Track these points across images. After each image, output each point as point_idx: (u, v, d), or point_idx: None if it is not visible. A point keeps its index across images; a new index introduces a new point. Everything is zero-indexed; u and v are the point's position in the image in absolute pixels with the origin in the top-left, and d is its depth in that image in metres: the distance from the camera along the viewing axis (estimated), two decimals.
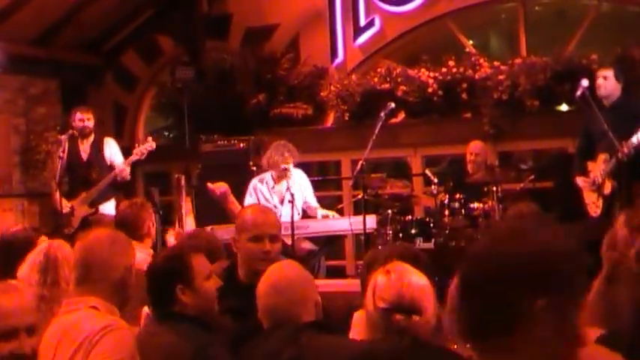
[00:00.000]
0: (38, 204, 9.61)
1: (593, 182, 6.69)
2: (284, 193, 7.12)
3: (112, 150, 7.97)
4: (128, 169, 7.75)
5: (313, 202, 7.37)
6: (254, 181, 7.32)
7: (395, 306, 2.58)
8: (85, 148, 7.92)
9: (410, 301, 2.58)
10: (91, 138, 7.94)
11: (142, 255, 4.21)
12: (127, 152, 8.06)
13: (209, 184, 4.96)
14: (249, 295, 3.25)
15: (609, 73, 6.67)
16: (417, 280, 2.65)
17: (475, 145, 7.89)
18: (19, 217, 9.44)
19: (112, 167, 7.84)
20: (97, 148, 7.93)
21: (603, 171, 6.59)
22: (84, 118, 7.85)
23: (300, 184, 7.26)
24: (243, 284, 3.66)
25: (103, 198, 7.81)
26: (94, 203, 7.77)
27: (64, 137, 7.73)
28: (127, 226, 4.87)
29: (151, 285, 3.13)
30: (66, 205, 7.69)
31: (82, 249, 2.86)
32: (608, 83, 6.64)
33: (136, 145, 7.72)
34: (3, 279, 3.95)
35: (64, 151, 7.63)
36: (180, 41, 10.25)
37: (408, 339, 2.56)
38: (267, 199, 7.20)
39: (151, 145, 7.61)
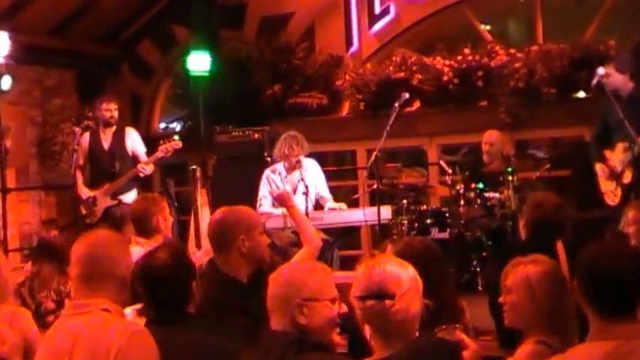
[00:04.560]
0: (55, 195, 9.65)
1: (613, 171, 6.61)
2: (296, 183, 7.12)
3: (133, 140, 8.05)
4: (152, 166, 7.85)
5: (326, 193, 7.35)
6: (267, 171, 7.34)
7: (367, 292, 2.65)
8: (106, 138, 8.00)
9: (379, 287, 2.64)
10: (113, 128, 8.03)
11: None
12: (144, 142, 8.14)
13: (271, 190, 5.08)
14: (255, 295, 3.27)
15: (610, 69, 6.56)
16: (390, 268, 2.70)
17: (490, 135, 7.84)
18: (36, 208, 9.48)
19: (133, 157, 7.93)
20: (119, 138, 8.00)
21: (623, 160, 6.52)
22: (111, 109, 7.95)
23: (313, 175, 7.25)
24: (245, 285, 3.73)
25: (125, 189, 7.90)
26: (116, 195, 7.87)
27: (78, 129, 7.78)
28: (137, 221, 4.89)
29: (172, 284, 3.09)
30: (88, 193, 7.84)
31: (88, 245, 2.81)
32: (611, 80, 6.52)
33: (161, 142, 7.70)
34: None
35: (78, 144, 7.68)
36: (196, 31, 10.23)
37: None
38: (279, 189, 7.20)
39: (177, 143, 7.62)
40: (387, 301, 2.63)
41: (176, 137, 7.70)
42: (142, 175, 7.81)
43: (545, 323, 2.96)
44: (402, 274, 2.70)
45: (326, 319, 2.79)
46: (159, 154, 7.67)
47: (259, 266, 3.82)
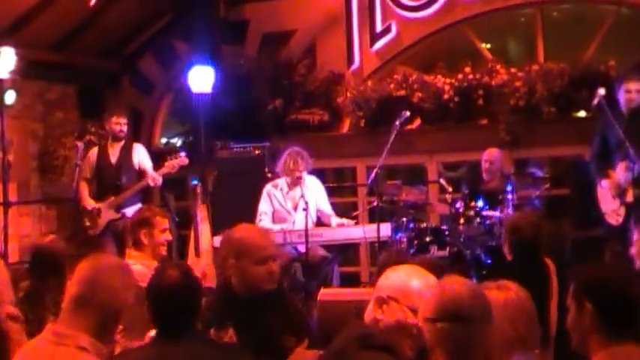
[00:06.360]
0: (56, 209, 9.67)
1: (619, 185, 6.58)
2: (297, 200, 7.14)
3: (140, 156, 8.17)
4: (160, 179, 7.91)
5: (327, 209, 7.36)
6: (268, 187, 7.35)
7: (437, 314, 2.56)
8: (114, 152, 8.14)
9: (451, 309, 2.56)
10: (122, 142, 8.16)
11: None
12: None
13: None
14: (252, 308, 3.27)
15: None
16: (463, 288, 2.61)
17: (491, 153, 7.87)
18: (36, 222, 9.49)
19: (140, 172, 8.03)
20: (127, 152, 8.13)
21: (627, 179, 6.52)
22: (121, 122, 8.11)
23: (314, 191, 7.26)
24: (243, 298, 3.65)
25: (130, 203, 7.97)
26: (120, 208, 7.97)
27: (80, 143, 7.85)
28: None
29: (187, 301, 3.02)
30: (93, 205, 7.96)
31: (92, 268, 2.69)
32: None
33: (168, 158, 7.84)
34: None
35: (82, 158, 7.76)
36: (197, 47, 10.26)
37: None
38: (281, 205, 7.24)
39: (183, 160, 7.77)
40: (460, 325, 2.54)
41: (182, 154, 7.81)
42: (152, 184, 7.94)
43: (501, 346, 2.88)
44: (475, 296, 2.62)
45: (398, 325, 2.81)
46: (165, 169, 7.80)
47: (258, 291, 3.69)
